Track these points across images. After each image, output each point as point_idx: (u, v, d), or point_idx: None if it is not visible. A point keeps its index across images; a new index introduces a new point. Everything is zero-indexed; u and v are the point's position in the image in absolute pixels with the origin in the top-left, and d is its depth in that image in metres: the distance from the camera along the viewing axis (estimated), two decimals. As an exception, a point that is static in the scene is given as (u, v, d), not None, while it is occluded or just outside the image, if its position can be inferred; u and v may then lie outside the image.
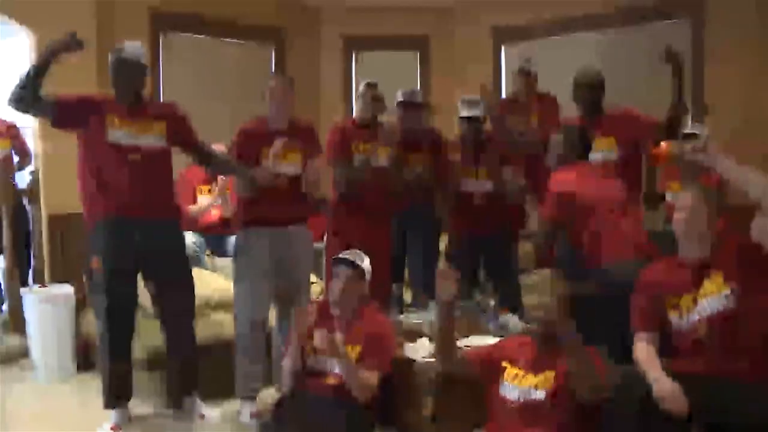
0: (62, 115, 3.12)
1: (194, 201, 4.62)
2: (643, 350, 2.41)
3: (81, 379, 4.09)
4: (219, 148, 3.71)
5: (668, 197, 4.07)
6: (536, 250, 3.53)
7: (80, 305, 4.25)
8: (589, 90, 3.50)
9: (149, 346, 3.55)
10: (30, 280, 4.72)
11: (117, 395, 3.32)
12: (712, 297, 2.34)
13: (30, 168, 4.73)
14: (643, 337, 2.46)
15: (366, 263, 2.85)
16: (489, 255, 4.06)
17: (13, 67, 4.84)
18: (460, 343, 2.97)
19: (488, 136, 4.15)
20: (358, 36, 6.01)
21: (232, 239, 4.82)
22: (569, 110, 3.85)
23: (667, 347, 2.43)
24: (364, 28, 5.92)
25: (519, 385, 2.33)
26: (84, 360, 4.19)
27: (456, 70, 5.93)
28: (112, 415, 3.31)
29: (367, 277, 2.86)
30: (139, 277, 3.34)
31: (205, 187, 4.74)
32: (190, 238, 4.21)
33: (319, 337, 2.55)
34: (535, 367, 2.35)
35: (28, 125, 4.68)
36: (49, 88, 3.06)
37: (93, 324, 4.10)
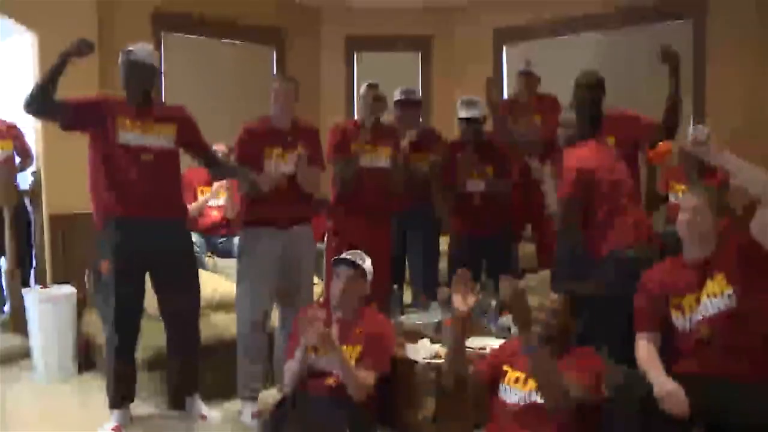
0: (74, 117, 3.14)
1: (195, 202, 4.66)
2: (644, 350, 2.41)
3: (82, 380, 4.10)
4: (219, 148, 3.72)
5: (672, 198, 4.07)
6: (558, 236, 3.34)
7: (81, 305, 4.25)
8: (589, 91, 3.49)
9: (150, 347, 3.55)
10: (31, 280, 4.73)
11: (122, 396, 3.33)
12: (715, 297, 2.34)
13: (32, 169, 4.73)
14: (644, 337, 2.46)
15: (367, 264, 2.85)
16: (490, 255, 4.06)
17: (13, 67, 4.87)
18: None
19: (489, 136, 4.15)
20: (358, 36, 6.01)
21: (233, 240, 4.87)
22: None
23: (670, 348, 2.43)
24: (365, 29, 5.92)
25: (520, 389, 2.33)
26: (85, 360, 4.19)
27: (457, 70, 5.94)
28: (114, 415, 3.31)
29: (369, 277, 2.86)
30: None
31: (207, 188, 4.77)
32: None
33: (313, 332, 2.54)
34: None
35: (30, 126, 4.68)
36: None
37: (94, 324, 4.13)
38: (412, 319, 3.41)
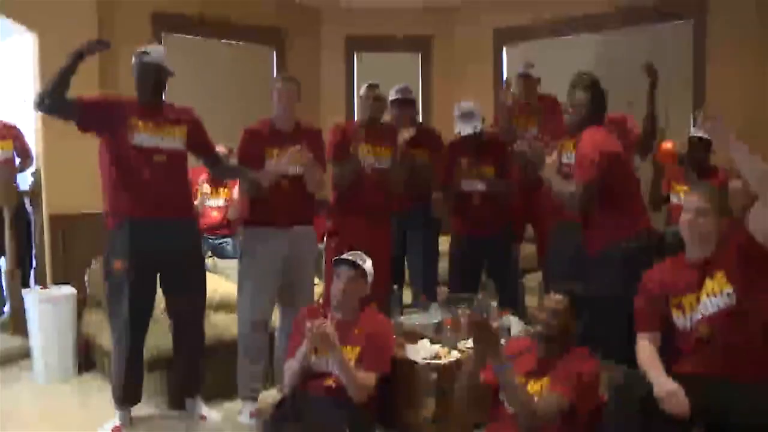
0: (88, 117, 3.13)
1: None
2: (645, 350, 2.41)
3: (81, 380, 4.10)
4: (219, 149, 3.72)
5: (673, 199, 4.07)
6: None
7: (81, 306, 4.25)
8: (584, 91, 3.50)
9: (150, 347, 3.54)
10: (31, 280, 4.73)
11: (130, 396, 3.33)
12: (714, 296, 2.34)
13: (32, 169, 4.73)
14: (644, 337, 2.46)
15: (368, 264, 2.86)
16: (490, 256, 4.06)
17: (13, 67, 4.87)
18: (461, 345, 2.98)
19: (489, 136, 4.14)
20: (358, 36, 6.01)
21: (233, 240, 4.88)
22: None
23: (670, 348, 2.43)
24: (364, 29, 5.92)
25: None
26: (85, 360, 4.20)
27: (457, 70, 5.94)
28: (115, 416, 3.32)
29: (369, 278, 2.86)
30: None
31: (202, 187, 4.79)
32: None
33: (311, 330, 2.54)
34: (536, 373, 2.35)
35: (30, 126, 4.68)
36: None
37: (94, 325, 4.13)
38: (412, 319, 3.41)
